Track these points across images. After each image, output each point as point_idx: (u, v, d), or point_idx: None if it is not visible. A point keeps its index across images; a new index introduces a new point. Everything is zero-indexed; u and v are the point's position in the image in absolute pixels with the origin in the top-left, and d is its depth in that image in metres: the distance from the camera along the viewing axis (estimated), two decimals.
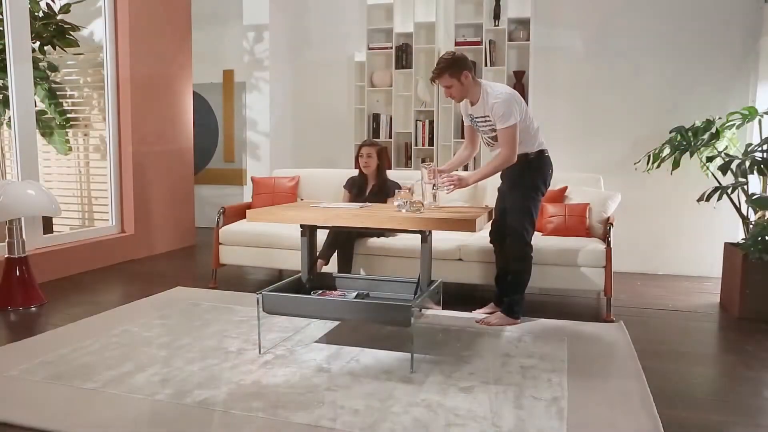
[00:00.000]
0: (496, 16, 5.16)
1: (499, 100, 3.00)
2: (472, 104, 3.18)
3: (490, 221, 3.36)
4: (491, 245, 3.49)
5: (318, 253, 3.65)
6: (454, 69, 3.01)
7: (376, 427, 2.05)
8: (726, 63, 4.70)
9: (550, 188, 4.01)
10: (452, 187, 3.08)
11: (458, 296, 3.80)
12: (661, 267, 4.92)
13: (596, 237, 3.72)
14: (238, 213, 4.41)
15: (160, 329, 3.13)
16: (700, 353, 2.90)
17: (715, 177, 4.16)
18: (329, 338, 3.00)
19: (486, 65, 5.16)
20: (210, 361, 2.66)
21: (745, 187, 3.72)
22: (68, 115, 5.36)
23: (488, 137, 3.22)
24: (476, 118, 3.20)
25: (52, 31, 5.14)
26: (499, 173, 3.34)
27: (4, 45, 4.17)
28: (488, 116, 3.09)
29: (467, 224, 2.64)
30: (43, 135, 5.27)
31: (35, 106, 4.45)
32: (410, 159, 5.68)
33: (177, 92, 5.62)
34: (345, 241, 3.73)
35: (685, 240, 4.86)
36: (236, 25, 6.58)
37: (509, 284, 3.29)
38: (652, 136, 4.88)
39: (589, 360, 2.74)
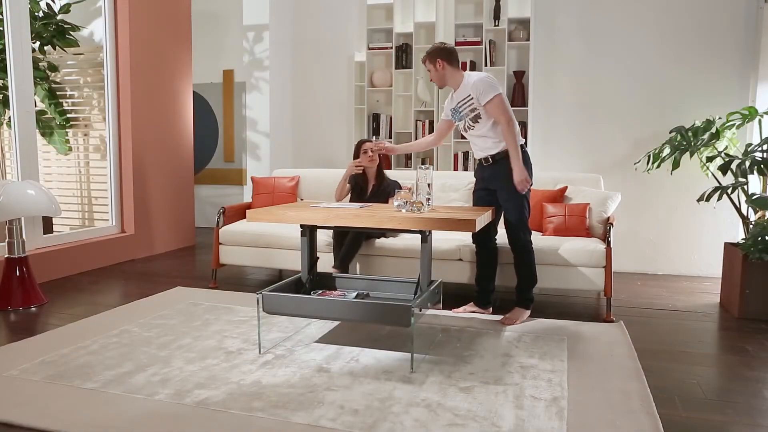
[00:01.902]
0: (496, 16, 5.16)
1: (477, 78, 3.22)
2: (455, 92, 3.36)
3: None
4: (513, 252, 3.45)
5: (334, 264, 3.66)
6: (430, 56, 3.29)
7: (376, 427, 2.05)
8: (726, 63, 4.70)
9: (549, 188, 4.05)
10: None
11: (458, 296, 3.80)
12: (661, 267, 4.92)
13: (596, 237, 3.72)
14: (238, 213, 4.41)
15: (160, 329, 3.13)
16: (700, 353, 2.90)
17: (715, 177, 4.17)
18: (329, 338, 3.00)
19: (486, 65, 5.16)
20: (210, 361, 2.66)
21: (745, 187, 3.72)
22: (68, 115, 5.36)
23: (469, 119, 3.31)
24: (459, 102, 3.33)
25: (52, 31, 5.14)
26: (473, 173, 3.50)
27: (4, 45, 4.17)
28: (470, 95, 3.24)
29: (467, 224, 2.64)
30: (43, 135, 5.27)
31: (35, 106, 4.45)
32: (410, 159, 5.68)
33: (177, 92, 5.62)
34: (354, 239, 3.72)
35: (685, 240, 4.86)
36: (236, 25, 6.59)
37: (523, 278, 3.36)
38: (652, 136, 4.89)
39: (589, 360, 2.74)
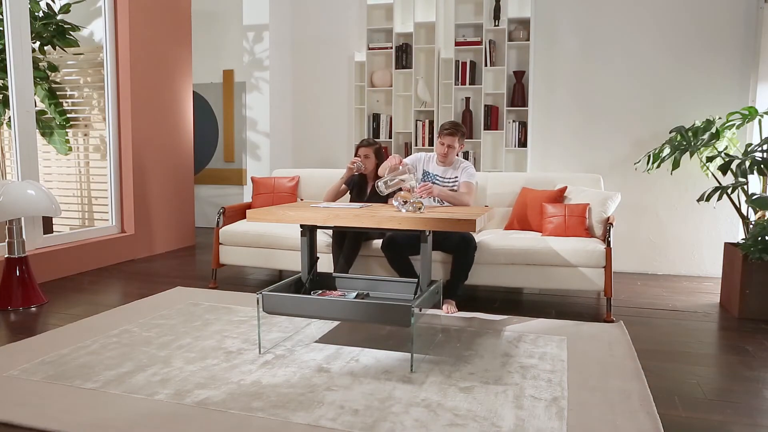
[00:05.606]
0: (496, 16, 5.16)
1: (469, 165, 3.78)
2: (443, 165, 3.77)
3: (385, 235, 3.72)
4: (456, 249, 3.56)
5: (335, 269, 3.66)
6: (462, 138, 3.74)
7: (376, 427, 2.05)
8: (726, 63, 4.70)
9: (549, 188, 4.06)
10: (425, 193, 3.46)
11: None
12: (661, 267, 4.92)
13: (596, 237, 3.72)
14: (238, 213, 4.41)
15: (160, 329, 3.13)
16: (700, 353, 2.90)
17: (715, 177, 4.17)
18: (329, 338, 3.00)
19: (486, 65, 5.16)
20: (210, 361, 2.66)
21: (745, 187, 3.72)
22: (68, 115, 5.36)
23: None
24: (440, 176, 3.76)
25: (52, 31, 5.14)
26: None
27: (4, 45, 4.17)
28: (458, 177, 3.74)
29: (467, 224, 2.64)
30: (43, 135, 5.27)
31: (35, 106, 4.45)
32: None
33: (177, 92, 5.62)
34: (353, 241, 3.72)
35: (685, 240, 4.86)
36: (236, 25, 6.59)
37: (465, 276, 3.56)
38: (652, 136, 4.89)
39: (589, 360, 2.74)
